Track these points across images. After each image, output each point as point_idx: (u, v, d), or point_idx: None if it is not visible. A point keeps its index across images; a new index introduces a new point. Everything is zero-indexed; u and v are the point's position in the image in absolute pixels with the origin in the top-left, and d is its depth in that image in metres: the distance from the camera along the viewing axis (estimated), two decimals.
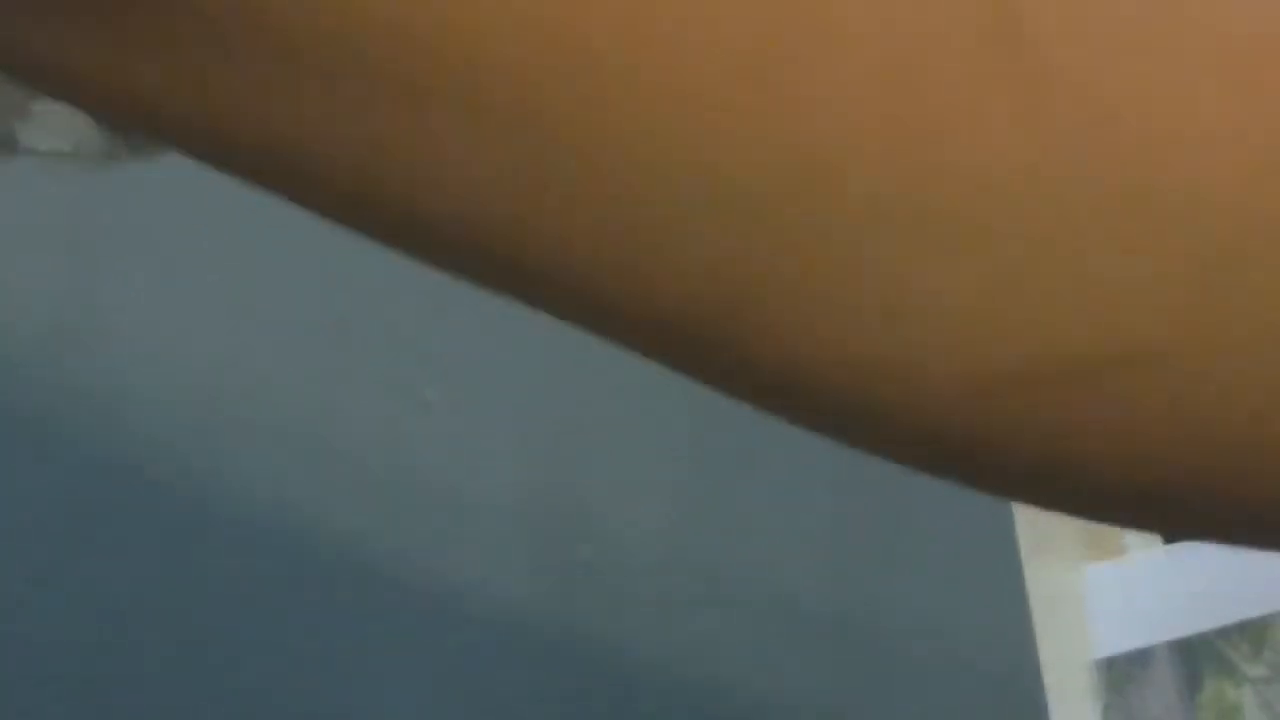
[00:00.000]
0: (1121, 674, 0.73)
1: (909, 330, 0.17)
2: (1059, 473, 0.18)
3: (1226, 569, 0.76)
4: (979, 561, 0.53)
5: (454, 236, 0.17)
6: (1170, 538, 0.76)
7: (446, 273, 0.18)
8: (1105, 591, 0.73)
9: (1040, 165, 0.16)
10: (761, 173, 0.16)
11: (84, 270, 0.39)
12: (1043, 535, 0.71)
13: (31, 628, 0.38)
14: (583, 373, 0.46)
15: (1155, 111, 0.16)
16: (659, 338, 0.18)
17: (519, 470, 0.45)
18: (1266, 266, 0.16)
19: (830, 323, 0.17)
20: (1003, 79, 0.16)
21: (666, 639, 0.47)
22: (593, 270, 0.17)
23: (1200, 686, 0.76)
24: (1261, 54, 0.16)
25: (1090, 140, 0.16)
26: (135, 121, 0.19)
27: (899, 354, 0.17)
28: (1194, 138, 0.16)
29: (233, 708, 0.40)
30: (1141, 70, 0.16)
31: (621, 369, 0.47)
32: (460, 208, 0.17)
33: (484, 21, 0.16)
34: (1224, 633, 0.77)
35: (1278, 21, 0.15)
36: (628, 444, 0.47)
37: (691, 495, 0.48)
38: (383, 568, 0.42)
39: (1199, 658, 0.76)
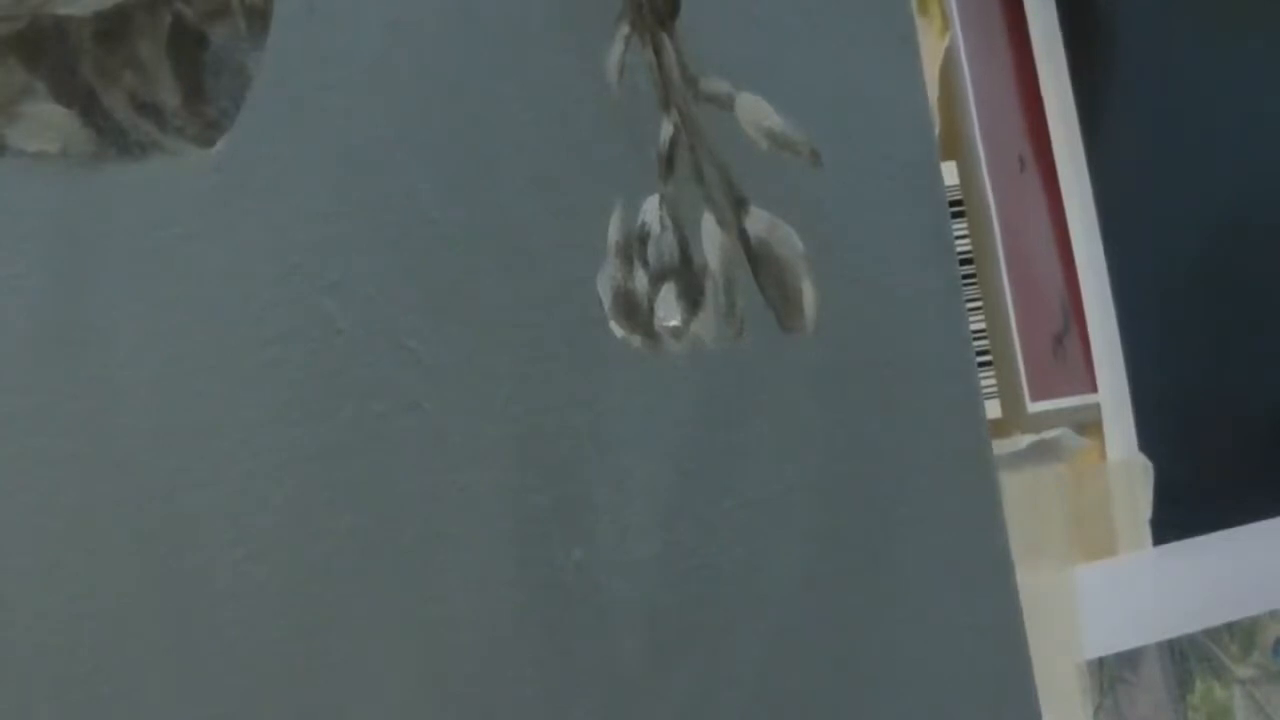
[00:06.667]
0: (1112, 675, 0.74)
1: None
2: None
3: (1216, 570, 0.76)
4: (969, 562, 0.53)
5: None
6: (1160, 538, 0.76)
7: None
8: (1096, 593, 0.73)
9: None
10: None
11: (71, 271, 0.39)
12: (1033, 536, 0.71)
13: (27, 628, 0.37)
14: (576, 372, 0.46)
15: None
16: None
17: (511, 471, 0.45)
18: None
19: None
20: None
21: (659, 640, 0.46)
22: None
23: (1191, 687, 0.76)
24: None
25: None
26: None
27: None
28: None
29: (219, 707, 0.39)
30: None
31: (616, 368, 0.47)
32: None
33: None
34: (1214, 634, 0.77)
35: None
36: (621, 446, 0.47)
37: (684, 498, 0.48)
38: (374, 567, 0.42)
39: (1189, 658, 0.76)
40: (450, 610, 0.43)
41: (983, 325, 0.71)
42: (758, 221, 0.50)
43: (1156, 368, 0.75)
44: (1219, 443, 0.77)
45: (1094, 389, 0.74)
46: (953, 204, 0.67)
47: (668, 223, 0.48)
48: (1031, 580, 0.65)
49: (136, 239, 0.40)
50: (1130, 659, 0.74)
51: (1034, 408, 0.72)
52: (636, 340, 0.48)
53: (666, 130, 0.49)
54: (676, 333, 0.48)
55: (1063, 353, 0.73)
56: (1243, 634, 0.78)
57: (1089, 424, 0.74)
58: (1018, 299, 0.71)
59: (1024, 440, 0.71)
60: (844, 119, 0.53)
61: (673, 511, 0.47)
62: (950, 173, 0.70)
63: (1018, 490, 0.69)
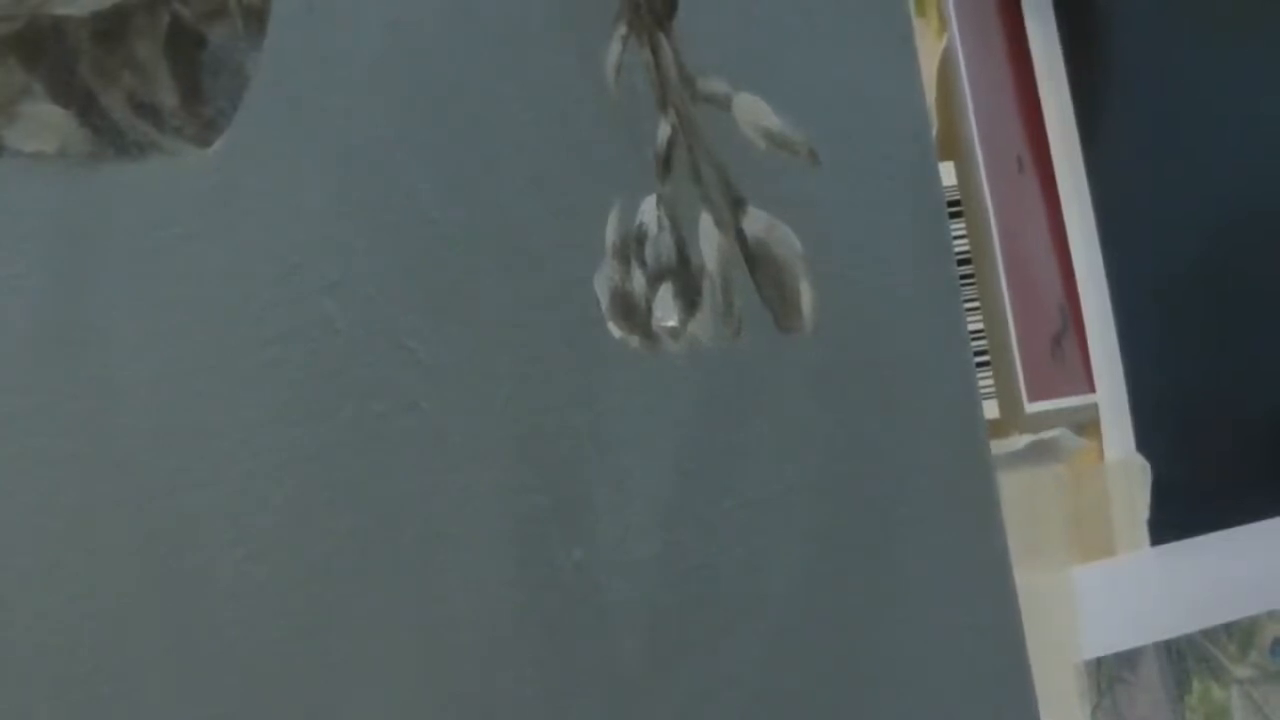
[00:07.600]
0: (1110, 675, 0.74)
1: None
2: None
3: (1214, 570, 0.76)
4: (968, 562, 0.53)
5: None
6: (1158, 538, 0.76)
7: None
8: (1094, 593, 0.73)
9: None
10: None
11: (71, 271, 0.39)
12: (1031, 537, 0.71)
13: (27, 628, 0.37)
14: (576, 372, 0.46)
15: None
16: None
17: (511, 471, 0.45)
18: None
19: None
20: None
21: (659, 640, 0.46)
22: None
23: (1188, 687, 0.76)
24: None
25: None
26: None
27: None
28: None
29: (219, 707, 0.39)
30: None
31: (616, 368, 0.47)
32: None
33: None
34: (1212, 634, 0.77)
35: None
36: (621, 446, 0.47)
37: (684, 498, 0.48)
38: (374, 567, 0.42)
39: (1187, 659, 0.76)
40: (450, 610, 0.43)
41: (981, 326, 0.71)
42: (755, 221, 0.50)
43: (1154, 368, 0.75)
44: (1217, 443, 0.77)
45: (1092, 389, 0.74)
46: (951, 204, 0.67)
47: (665, 223, 0.48)
48: (1030, 581, 0.65)
49: (136, 239, 0.39)
50: (1128, 659, 0.74)
51: (1032, 408, 0.72)
52: (634, 340, 0.48)
53: (664, 130, 0.49)
54: (674, 333, 0.48)
55: (1060, 353, 0.73)
56: (1241, 634, 0.78)
57: (1087, 424, 0.74)
58: (1016, 300, 0.71)
59: (1022, 440, 0.71)
60: (843, 119, 0.53)
61: (673, 511, 0.47)
62: (948, 173, 0.70)
63: (1016, 490, 0.69)
